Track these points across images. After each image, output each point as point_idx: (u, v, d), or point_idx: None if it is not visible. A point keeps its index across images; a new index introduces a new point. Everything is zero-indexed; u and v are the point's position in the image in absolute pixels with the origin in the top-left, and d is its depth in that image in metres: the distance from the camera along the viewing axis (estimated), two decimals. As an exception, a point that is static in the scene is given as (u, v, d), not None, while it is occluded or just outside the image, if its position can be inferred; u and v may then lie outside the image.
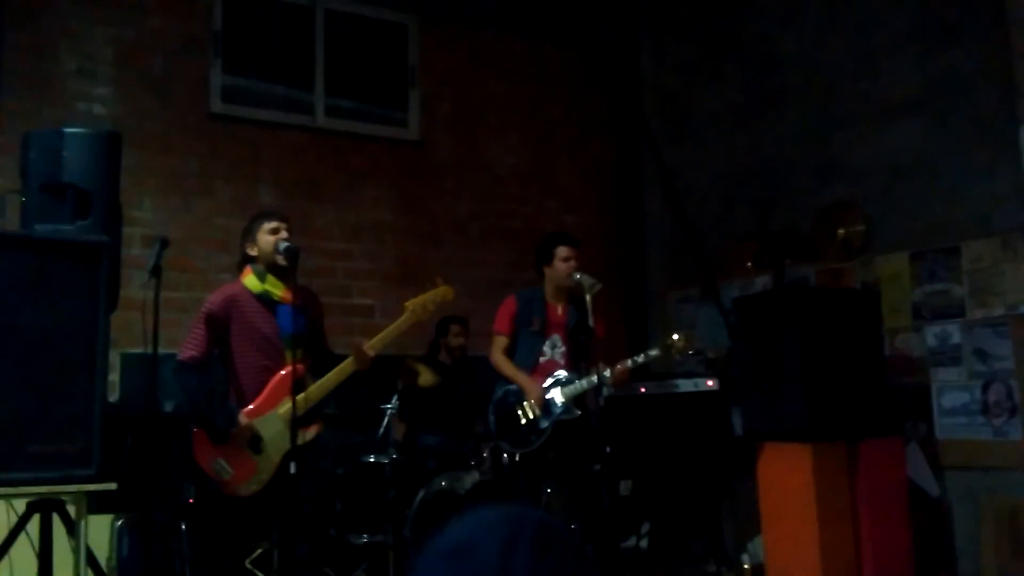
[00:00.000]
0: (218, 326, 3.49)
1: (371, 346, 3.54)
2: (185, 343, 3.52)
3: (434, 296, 3.67)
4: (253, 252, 3.55)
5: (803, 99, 5.75)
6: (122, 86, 5.33)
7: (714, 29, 6.49)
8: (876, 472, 4.26)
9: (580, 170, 6.86)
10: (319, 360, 3.62)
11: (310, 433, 3.47)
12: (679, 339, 4.20)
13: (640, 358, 4.19)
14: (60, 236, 3.04)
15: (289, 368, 3.43)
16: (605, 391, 4.63)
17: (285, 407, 3.40)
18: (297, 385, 3.34)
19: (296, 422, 3.24)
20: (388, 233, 6.05)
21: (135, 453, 3.94)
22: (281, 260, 3.49)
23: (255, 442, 3.43)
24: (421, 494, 4.24)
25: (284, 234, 3.53)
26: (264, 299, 3.51)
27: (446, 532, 0.93)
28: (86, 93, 5.23)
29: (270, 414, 3.45)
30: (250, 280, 3.54)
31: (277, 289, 3.51)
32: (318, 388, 3.47)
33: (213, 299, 3.56)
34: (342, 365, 3.52)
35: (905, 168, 5.11)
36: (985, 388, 4.63)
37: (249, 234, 3.58)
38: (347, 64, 6.10)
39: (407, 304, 3.65)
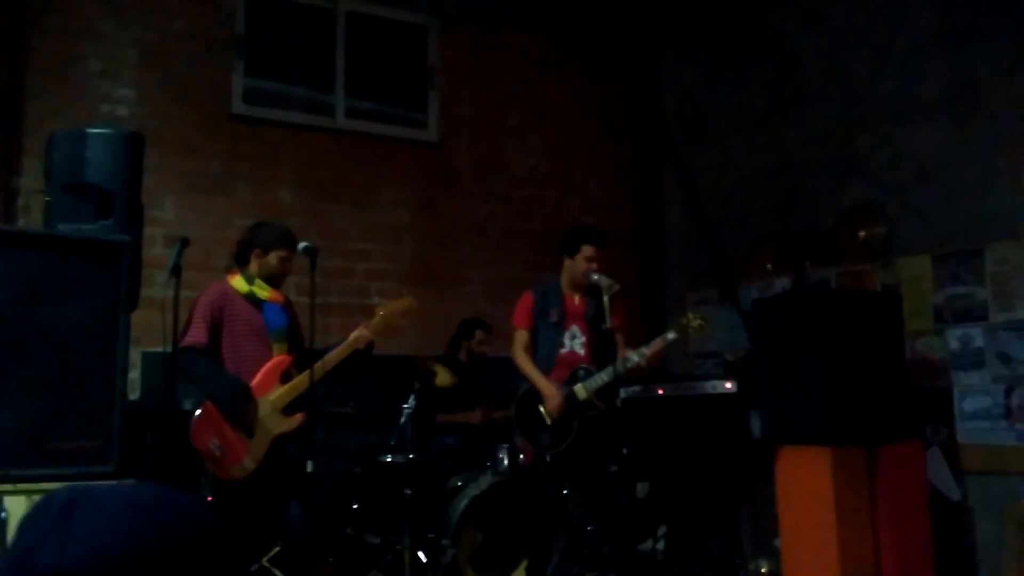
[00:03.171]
0: (214, 318, 3.71)
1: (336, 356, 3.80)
2: (187, 333, 3.67)
3: (399, 307, 4.03)
4: (258, 261, 3.83)
5: (824, 100, 5.71)
6: (145, 88, 5.39)
7: (735, 30, 6.46)
8: (896, 476, 4.22)
9: (600, 171, 6.85)
10: (300, 356, 3.85)
11: (294, 421, 3.73)
12: (694, 318, 4.24)
13: (658, 342, 4.20)
14: (82, 235, 3.08)
15: (279, 358, 3.76)
16: (623, 392, 4.63)
17: (275, 394, 3.71)
18: (284, 376, 3.70)
19: (308, 399, 3.59)
20: (407, 234, 6.07)
21: (155, 450, 3.99)
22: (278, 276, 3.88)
23: (248, 425, 3.64)
24: (465, 502, 4.22)
25: (291, 265, 3.86)
26: (251, 298, 3.81)
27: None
28: (110, 95, 5.29)
29: (261, 400, 3.68)
30: (237, 282, 3.83)
31: (263, 291, 3.83)
32: (302, 379, 3.70)
33: (208, 293, 3.79)
34: (331, 356, 3.78)
35: (927, 170, 5.05)
36: (1008, 392, 4.57)
37: (264, 247, 3.82)
38: (367, 66, 6.13)
39: (378, 310, 4.00)
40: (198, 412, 3.61)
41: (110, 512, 0.85)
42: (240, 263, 3.86)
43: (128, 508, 0.87)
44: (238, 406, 3.57)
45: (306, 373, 3.66)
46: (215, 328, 3.70)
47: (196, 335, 3.65)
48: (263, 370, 3.73)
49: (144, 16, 5.43)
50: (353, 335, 3.85)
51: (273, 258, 3.80)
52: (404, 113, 6.23)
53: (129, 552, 0.83)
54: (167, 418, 4.03)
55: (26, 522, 0.86)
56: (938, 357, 4.88)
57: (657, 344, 4.25)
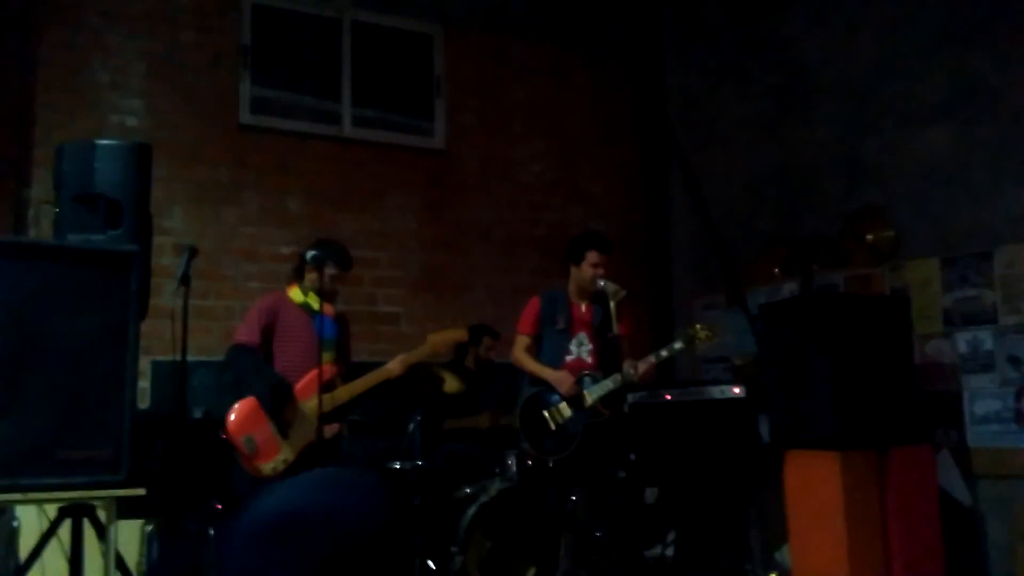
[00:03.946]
0: (267, 322, 3.95)
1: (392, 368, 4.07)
2: (239, 331, 3.98)
3: (450, 337, 4.31)
4: (312, 275, 4.03)
5: (830, 103, 5.71)
6: (154, 98, 5.43)
7: (739, 34, 6.46)
8: (906, 481, 4.20)
9: (605, 177, 6.86)
10: (346, 369, 4.05)
11: (329, 431, 3.86)
12: (702, 329, 4.24)
13: (664, 352, 4.21)
14: (91, 246, 3.09)
15: (324, 367, 3.83)
16: (630, 397, 4.63)
17: (314, 401, 3.78)
18: (326, 385, 3.78)
19: (322, 417, 3.67)
20: (414, 241, 6.09)
21: (165, 459, 4.01)
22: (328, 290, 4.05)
23: (285, 426, 3.80)
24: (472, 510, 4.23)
25: (341, 282, 4.10)
26: (305, 308, 4.05)
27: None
28: (119, 105, 5.34)
29: (301, 404, 3.86)
30: (294, 293, 4.11)
31: (317, 303, 3.98)
32: (346, 391, 3.93)
33: (265, 299, 4.12)
34: (374, 373, 4.00)
35: (935, 172, 5.04)
36: (1018, 395, 4.55)
37: (319, 262, 3.98)
38: (374, 74, 6.16)
39: (430, 337, 4.24)
40: (238, 405, 3.78)
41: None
42: (298, 276, 4.13)
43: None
44: (280, 401, 3.76)
45: (347, 386, 3.93)
46: (267, 332, 3.96)
47: (247, 335, 3.93)
48: (307, 377, 3.90)
49: (152, 27, 5.47)
50: (387, 366, 4.05)
51: (325, 274, 4.00)
52: (410, 121, 6.25)
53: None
54: (177, 427, 4.07)
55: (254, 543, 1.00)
56: (947, 360, 4.86)
57: (663, 355, 4.24)
